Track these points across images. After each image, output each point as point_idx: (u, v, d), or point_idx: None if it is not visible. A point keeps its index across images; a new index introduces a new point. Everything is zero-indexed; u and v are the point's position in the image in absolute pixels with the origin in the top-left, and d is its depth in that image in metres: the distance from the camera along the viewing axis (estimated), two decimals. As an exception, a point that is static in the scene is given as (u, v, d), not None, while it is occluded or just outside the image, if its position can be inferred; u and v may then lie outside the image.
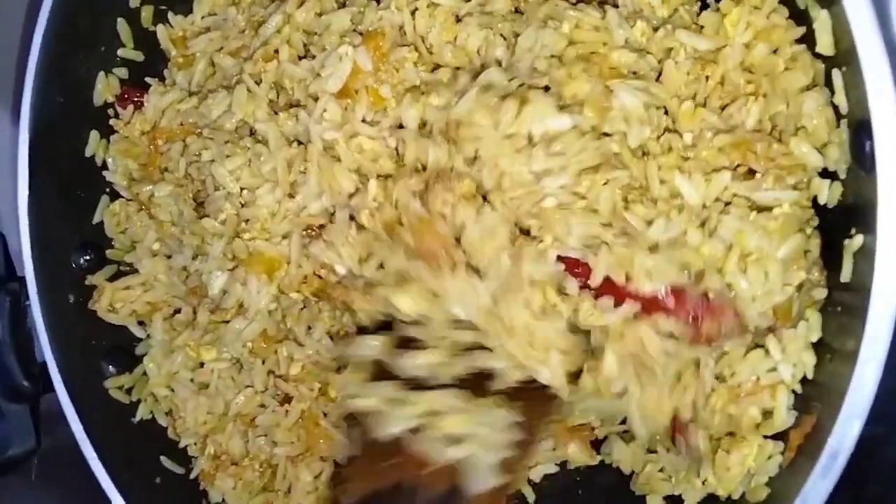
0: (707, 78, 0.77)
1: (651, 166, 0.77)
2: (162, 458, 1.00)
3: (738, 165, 0.76)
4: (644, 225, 0.76)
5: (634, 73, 0.78)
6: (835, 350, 0.71)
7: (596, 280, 0.78)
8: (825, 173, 0.74)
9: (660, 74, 0.79)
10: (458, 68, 0.84)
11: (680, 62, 0.77)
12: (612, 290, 0.78)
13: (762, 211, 0.74)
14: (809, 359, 0.74)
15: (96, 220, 1.02)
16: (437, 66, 0.85)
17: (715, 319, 0.76)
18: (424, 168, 0.83)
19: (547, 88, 0.79)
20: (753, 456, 0.76)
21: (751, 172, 0.76)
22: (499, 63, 0.82)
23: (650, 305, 0.77)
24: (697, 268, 0.75)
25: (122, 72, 1.02)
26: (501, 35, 0.83)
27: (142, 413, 1.01)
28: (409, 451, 0.77)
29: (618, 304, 0.78)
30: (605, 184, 0.77)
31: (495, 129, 0.78)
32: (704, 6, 0.81)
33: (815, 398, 0.72)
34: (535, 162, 0.77)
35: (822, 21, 0.70)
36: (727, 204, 0.76)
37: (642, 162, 0.78)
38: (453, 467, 0.76)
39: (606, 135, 0.78)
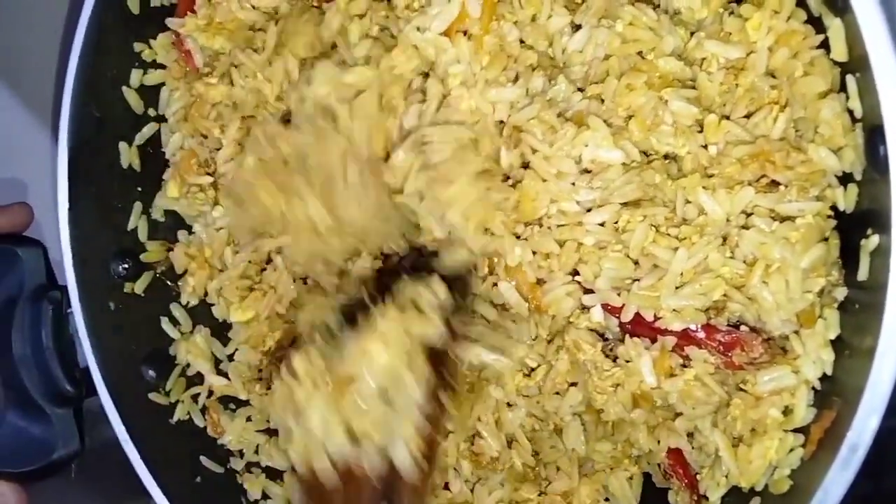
0: (737, 86, 0.79)
1: (680, 185, 0.80)
2: (202, 457, 1.03)
3: (761, 177, 0.78)
4: (670, 254, 0.78)
5: (680, 83, 0.80)
6: (853, 346, 0.73)
7: (627, 317, 0.81)
8: (841, 178, 0.76)
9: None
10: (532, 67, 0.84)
11: (713, 73, 0.79)
12: (643, 327, 0.82)
13: (784, 221, 0.76)
14: (828, 356, 0.76)
15: (131, 225, 1.05)
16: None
17: (745, 349, 0.78)
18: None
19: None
20: (775, 448, 0.78)
21: (772, 184, 0.78)
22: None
23: (682, 339, 0.81)
24: (720, 293, 0.78)
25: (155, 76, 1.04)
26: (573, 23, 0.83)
27: (179, 414, 1.04)
28: (351, 474, 0.72)
29: (653, 340, 0.82)
30: (642, 220, 0.79)
31: (549, 147, 0.80)
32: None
33: (834, 393, 0.74)
34: (580, 192, 0.80)
35: (835, 29, 0.72)
36: (749, 215, 0.78)
37: (675, 184, 0.80)
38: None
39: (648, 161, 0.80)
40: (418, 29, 0.82)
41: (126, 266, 1.05)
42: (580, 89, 0.82)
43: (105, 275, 1.04)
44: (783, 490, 0.76)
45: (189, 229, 1.07)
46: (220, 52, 0.96)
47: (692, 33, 0.81)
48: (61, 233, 1.00)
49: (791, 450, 0.76)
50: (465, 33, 0.82)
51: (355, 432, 0.71)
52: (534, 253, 0.84)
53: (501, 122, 0.83)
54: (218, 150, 1.00)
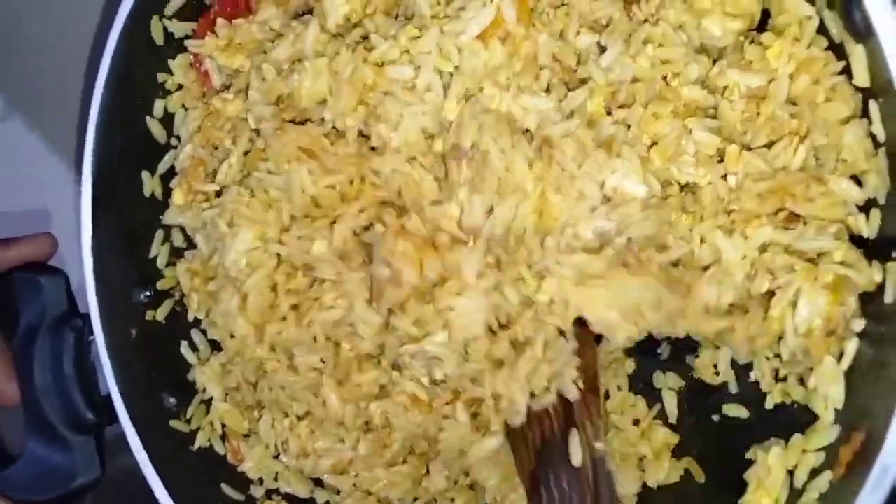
0: (758, 114, 0.79)
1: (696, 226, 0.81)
2: (223, 485, 1.03)
3: (778, 210, 0.79)
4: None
5: (703, 111, 0.81)
6: (881, 366, 0.73)
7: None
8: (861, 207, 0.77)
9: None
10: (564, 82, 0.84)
11: (735, 101, 0.79)
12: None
13: (809, 260, 0.77)
14: (837, 393, 0.76)
15: (153, 254, 1.06)
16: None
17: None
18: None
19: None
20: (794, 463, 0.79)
21: (791, 217, 0.78)
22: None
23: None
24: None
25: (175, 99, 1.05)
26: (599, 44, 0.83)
27: (200, 441, 1.04)
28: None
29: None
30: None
31: (577, 167, 0.80)
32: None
33: (864, 415, 0.74)
34: (598, 220, 0.80)
35: (857, 55, 0.73)
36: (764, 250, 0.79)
37: (691, 223, 0.81)
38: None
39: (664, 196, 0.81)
40: (442, 32, 0.83)
41: (148, 294, 1.06)
42: (608, 112, 0.82)
43: (127, 303, 1.05)
44: (812, 514, 0.76)
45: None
46: (240, 70, 0.97)
47: (714, 61, 0.82)
48: (84, 261, 1.01)
49: (819, 473, 0.76)
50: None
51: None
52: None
53: (528, 130, 0.83)
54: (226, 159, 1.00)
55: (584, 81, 0.82)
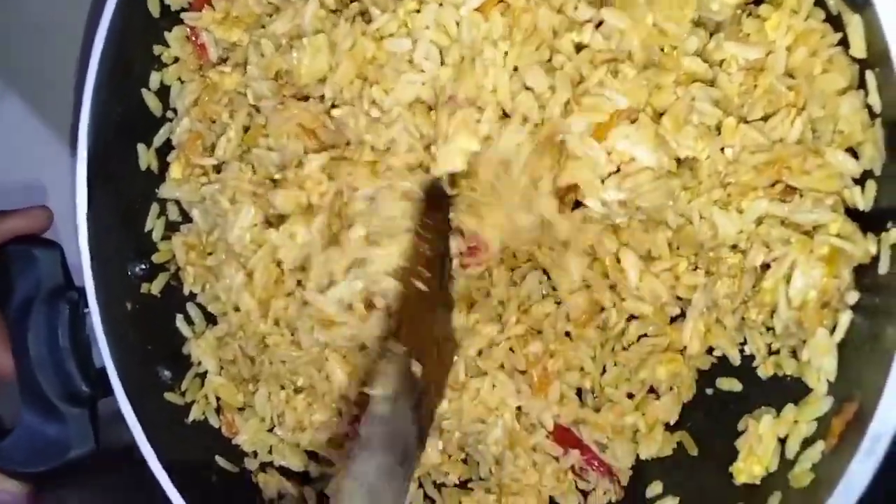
0: (755, 87, 0.79)
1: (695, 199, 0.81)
2: (217, 457, 1.04)
3: (774, 183, 0.79)
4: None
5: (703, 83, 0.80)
6: (874, 337, 0.74)
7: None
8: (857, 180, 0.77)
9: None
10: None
11: (733, 73, 0.79)
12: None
13: (805, 233, 0.78)
14: (830, 364, 0.77)
15: (148, 227, 1.06)
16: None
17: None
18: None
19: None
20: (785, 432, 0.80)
21: (788, 190, 0.79)
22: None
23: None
24: None
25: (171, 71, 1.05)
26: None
27: (195, 414, 1.05)
28: None
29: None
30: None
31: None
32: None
33: (856, 386, 0.74)
34: (608, 191, 0.80)
35: (854, 25, 0.73)
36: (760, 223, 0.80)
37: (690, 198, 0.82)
38: None
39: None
40: (441, 5, 0.83)
41: (143, 267, 1.06)
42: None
43: (122, 276, 1.04)
44: (804, 484, 0.76)
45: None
46: (237, 43, 0.97)
47: (711, 34, 0.81)
48: (80, 234, 1.01)
49: (811, 443, 0.77)
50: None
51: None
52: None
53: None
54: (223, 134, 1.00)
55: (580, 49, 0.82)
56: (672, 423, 0.92)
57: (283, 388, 1.02)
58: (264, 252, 0.93)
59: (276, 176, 0.92)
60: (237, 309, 0.98)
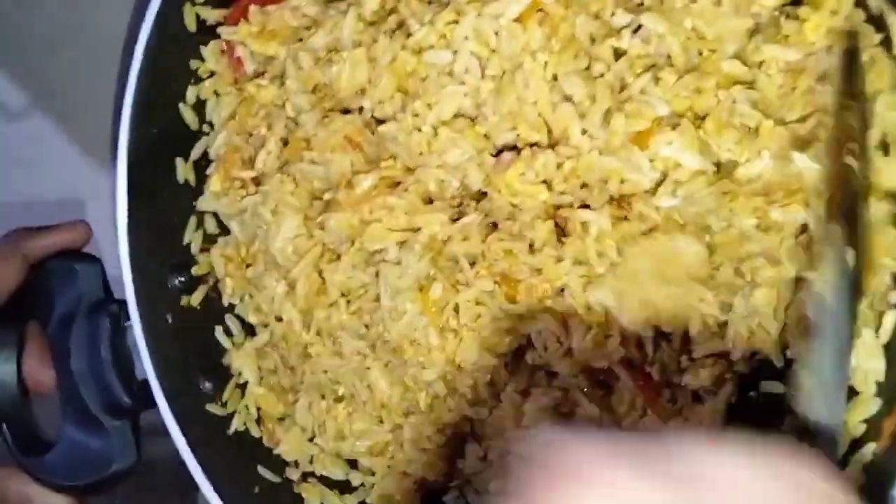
0: (794, 89, 0.79)
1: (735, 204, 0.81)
2: (259, 467, 1.04)
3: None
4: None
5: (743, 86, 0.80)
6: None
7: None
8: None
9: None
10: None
11: (773, 75, 0.79)
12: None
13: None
14: (877, 365, 0.77)
15: (186, 240, 1.07)
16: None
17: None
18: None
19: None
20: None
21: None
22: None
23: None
24: None
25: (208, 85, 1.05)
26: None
27: (236, 424, 1.05)
28: None
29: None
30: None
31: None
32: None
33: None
34: (661, 198, 0.80)
35: (896, 25, 0.73)
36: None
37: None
38: None
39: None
40: (479, 15, 0.83)
41: (182, 279, 1.06)
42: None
43: (162, 288, 1.05)
44: (856, 487, 0.76)
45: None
46: (273, 57, 0.98)
47: (750, 37, 0.81)
48: (120, 247, 1.01)
49: (862, 444, 0.76)
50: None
51: None
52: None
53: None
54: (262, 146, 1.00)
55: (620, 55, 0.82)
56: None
57: (323, 397, 1.02)
58: (306, 262, 0.93)
59: (326, 196, 0.93)
60: (279, 319, 0.98)
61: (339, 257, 0.93)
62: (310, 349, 0.99)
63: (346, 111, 0.92)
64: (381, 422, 0.99)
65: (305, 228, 0.93)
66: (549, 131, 0.83)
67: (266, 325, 1.02)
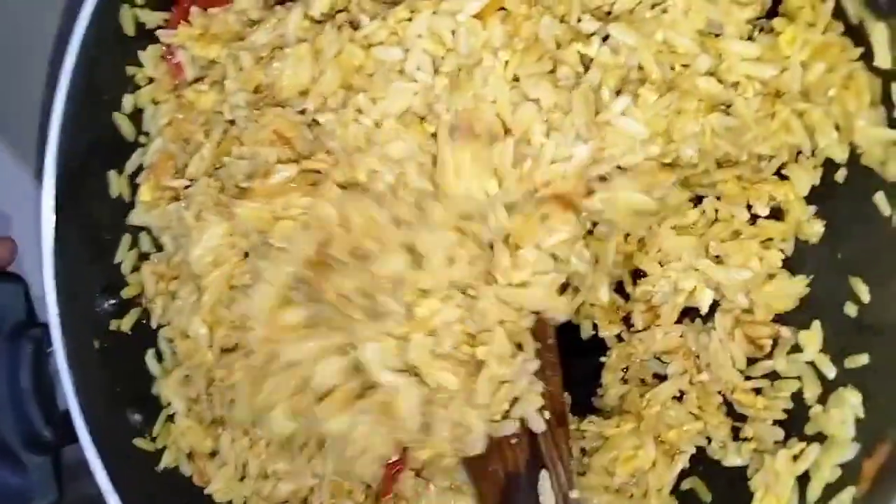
0: (773, 116, 0.76)
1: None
2: (188, 507, 0.96)
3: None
4: None
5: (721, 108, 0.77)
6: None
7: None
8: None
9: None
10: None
11: (749, 99, 0.75)
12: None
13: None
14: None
15: (118, 259, 0.99)
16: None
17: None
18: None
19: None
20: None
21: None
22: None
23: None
24: None
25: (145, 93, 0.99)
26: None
27: (166, 461, 0.97)
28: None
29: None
30: None
31: None
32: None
33: (888, 425, 0.69)
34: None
35: (878, 32, 0.69)
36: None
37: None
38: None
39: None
40: (435, 12, 0.78)
41: (113, 302, 0.99)
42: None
43: (90, 311, 0.98)
44: (834, 532, 0.70)
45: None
46: (215, 60, 0.92)
47: (720, 55, 0.77)
48: (45, 267, 0.94)
49: (840, 488, 0.71)
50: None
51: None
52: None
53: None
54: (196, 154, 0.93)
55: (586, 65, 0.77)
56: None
57: (245, 432, 0.95)
58: (222, 271, 0.87)
59: (243, 184, 0.86)
60: (186, 336, 0.92)
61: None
62: (214, 372, 0.92)
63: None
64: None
65: (228, 238, 0.87)
66: (507, 131, 0.77)
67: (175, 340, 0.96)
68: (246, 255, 0.87)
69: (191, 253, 0.87)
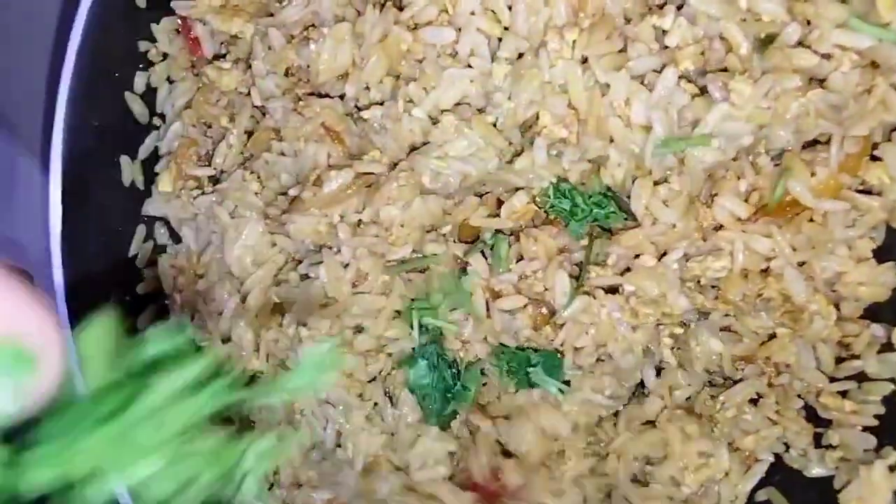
0: (869, 91, 0.68)
1: None
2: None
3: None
4: None
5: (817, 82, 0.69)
6: None
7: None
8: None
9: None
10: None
11: (847, 73, 0.68)
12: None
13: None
14: None
15: (132, 251, 0.92)
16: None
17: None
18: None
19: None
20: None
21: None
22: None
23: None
24: None
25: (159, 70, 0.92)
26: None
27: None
28: None
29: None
30: None
31: None
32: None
33: None
34: None
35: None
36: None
37: None
38: None
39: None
40: None
41: (127, 298, 0.93)
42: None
43: (102, 309, 0.89)
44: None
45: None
46: (238, 36, 0.85)
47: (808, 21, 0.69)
48: (53, 260, 0.87)
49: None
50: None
51: None
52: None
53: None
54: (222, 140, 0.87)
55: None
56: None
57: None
58: (265, 272, 0.80)
59: (291, 191, 0.79)
60: (226, 340, 0.85)
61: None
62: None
63: (325, 97, 0.78)
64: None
65: (269, 236, 0.79)
66: (579, 121, 0.70)
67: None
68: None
69: (228, 253, 0.80)
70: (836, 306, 0.74)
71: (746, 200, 0.73)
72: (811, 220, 0.73)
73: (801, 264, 0.74)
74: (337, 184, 0.75)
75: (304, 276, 0.81)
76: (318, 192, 0.75)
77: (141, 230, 0.93)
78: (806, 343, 0.75)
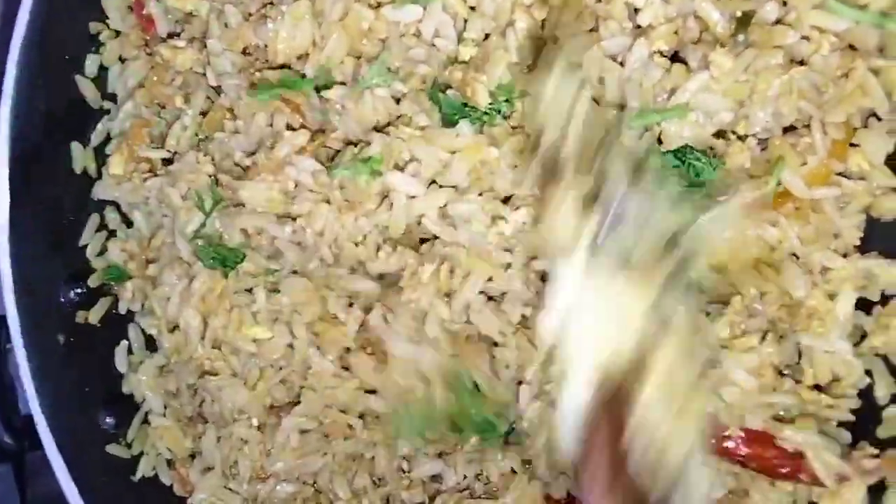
0: (847, 75, 0.67)
1: None
2: (167, 520, 0.89)
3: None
4: None
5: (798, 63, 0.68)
6: None
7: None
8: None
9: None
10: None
11: (826, 56, 0.67)
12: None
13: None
14: None
15: (83, 241, 0.90)
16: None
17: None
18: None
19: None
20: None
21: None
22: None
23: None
24: None
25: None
26: None
27: (143, 469, 0.89)
28: None
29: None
30: None
31: None
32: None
33: None
34: None
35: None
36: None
37: None
38: None
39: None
40: None
41: (79, 291, 0.91)
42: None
43: (53, 302, 0.90)
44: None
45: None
46: (193, 13, 0.83)
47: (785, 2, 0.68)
48: (0, 255, 0.85)
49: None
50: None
51: None
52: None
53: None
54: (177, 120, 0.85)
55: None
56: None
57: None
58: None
59: (246, 161, 0.77)
60: (174, 328, 0.84)
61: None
62: (206, 365, 0.84)
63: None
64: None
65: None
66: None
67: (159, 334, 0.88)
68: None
69: (178, 236, 0.79)
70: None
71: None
72: (797, 209, 0.71)
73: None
74: (291, 145, 0.74)
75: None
76: (271, 154, 0.74)
77: (94, 220, 0.90)
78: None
